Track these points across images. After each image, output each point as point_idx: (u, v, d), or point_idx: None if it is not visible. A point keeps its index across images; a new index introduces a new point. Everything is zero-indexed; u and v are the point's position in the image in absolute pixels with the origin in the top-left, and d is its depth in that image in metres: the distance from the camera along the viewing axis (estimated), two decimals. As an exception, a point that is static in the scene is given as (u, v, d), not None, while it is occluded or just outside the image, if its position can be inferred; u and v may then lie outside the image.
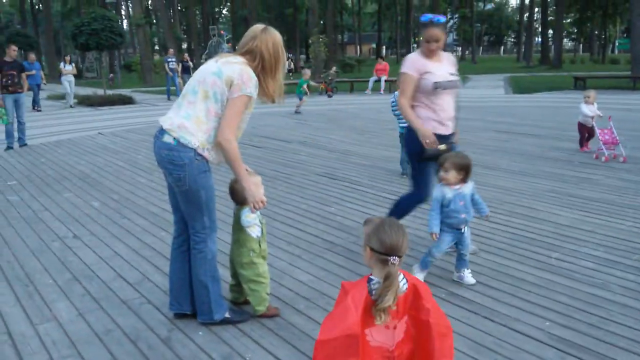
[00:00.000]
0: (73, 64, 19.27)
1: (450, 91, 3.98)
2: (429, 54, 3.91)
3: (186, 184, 2.94)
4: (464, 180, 3.65)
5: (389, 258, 2.24)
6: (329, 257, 4.24)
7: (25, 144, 9.98)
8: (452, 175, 3.57)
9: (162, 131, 2.96)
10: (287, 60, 20.89)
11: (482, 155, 8.05)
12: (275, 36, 3.00)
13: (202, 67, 3.00)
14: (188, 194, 2.98)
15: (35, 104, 17.13)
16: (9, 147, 9.75)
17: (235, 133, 2.91)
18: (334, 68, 23.11)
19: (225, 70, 2.86)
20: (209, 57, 23.93)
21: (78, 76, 34.70)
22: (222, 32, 72.48)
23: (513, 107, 15.05)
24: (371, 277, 2.31)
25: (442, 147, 3.87)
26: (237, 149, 2.90)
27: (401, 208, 4.29)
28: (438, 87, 3.87)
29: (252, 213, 3.09)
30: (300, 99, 14.52)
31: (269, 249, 4.30)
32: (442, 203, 3.62)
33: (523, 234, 4.64)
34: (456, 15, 63.33)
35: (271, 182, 6.41)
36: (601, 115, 8.14)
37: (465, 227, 3.71)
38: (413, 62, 3.92)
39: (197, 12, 55.15)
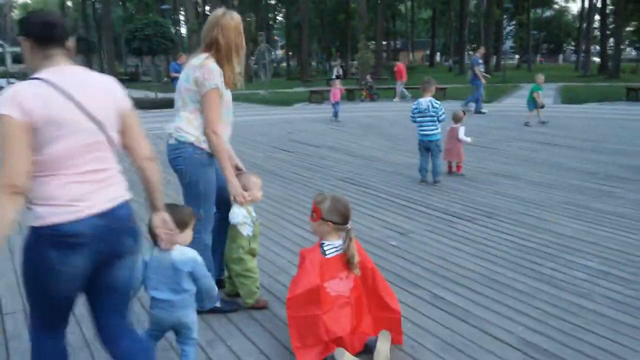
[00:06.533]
0: None
1: None
2: None
3: (187, 176, 3.25)
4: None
5: (347, 226, 2.92)
6: (327, 257, 4.44)
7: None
8: None
9: (168, 137, 3.30)
10: (337, 66, 21.13)
11: (506, 165, 8.06)
12: (230, 22, 3.19)
13: None
14: (189, 186, 3.29)
15: None
16: None
17: (218, 125, 3.18)
18: (369, 76, 23.11)
19: (190, 74, 3.18)
20: (257, 62, 24.28)
21: (135, 79, 36.12)
22: (275, 38, 73.32)
23: (557, 117, 14.75)
24: (323, 242, 2.94)
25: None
26: (222, 142, 3.21)
27: None
28: None
29: (237, 209, 3.33)
30: (531, 109, 12.72)
31: (273, 246, 4.60)
32: None
33: (524, 243, 4.71)
34: (513, 22, 62.20)
35: (290, 185, 6.68)
36: None
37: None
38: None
39: (251, 19, 56.31)
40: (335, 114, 14.25)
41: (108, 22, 39.02)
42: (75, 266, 2.04)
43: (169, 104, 18.78)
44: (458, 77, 40.14)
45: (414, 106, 6.80)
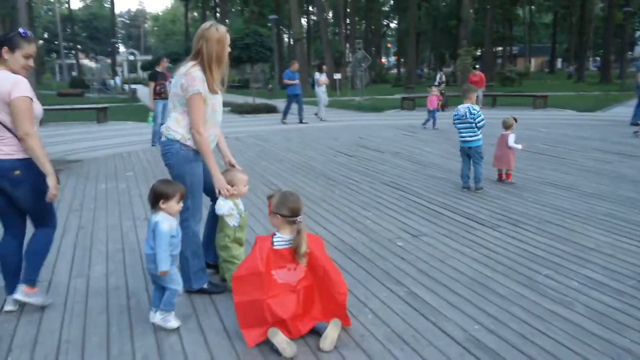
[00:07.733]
0: (325, 74, 18.20)
1: None
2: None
3: (174, 170, 3.69)
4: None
5: (297, 219, 3.17)
6: (330, 252, 4.66)
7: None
8: None
9: (161, 135, 3.75)
10: (440, 73, 20.37)
11: (566, 175, 7.76)
12: (214, 34, 3.55)
13: None
14: (176, 179, 3.69)
15: (299, 115, 16.44)
16: (154, 144, 11.52)
17: (201, 126, 3.56)
18: (444, 84, 22.44)
19: (177, 80, 3.59)
20: (353, 68, 24.65)
21: (246, 86, 38.04)
22: (388, 45, 72.85)
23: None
24: (276, 233, 3.21)
25: None
26: (205, 141, 3.60)
27: None
28: None
29: (222, 201, 3.70)
30: None
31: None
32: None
33: (536, 251, 4.63)
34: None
35: (333, 187, 6.96)
36: None
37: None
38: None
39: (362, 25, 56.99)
40: (429, 121, 13.82)
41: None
42: None
43: (264, 109, 19.79)
44: (575, 85, 38.02)
45: (454, 113, 6.85)
